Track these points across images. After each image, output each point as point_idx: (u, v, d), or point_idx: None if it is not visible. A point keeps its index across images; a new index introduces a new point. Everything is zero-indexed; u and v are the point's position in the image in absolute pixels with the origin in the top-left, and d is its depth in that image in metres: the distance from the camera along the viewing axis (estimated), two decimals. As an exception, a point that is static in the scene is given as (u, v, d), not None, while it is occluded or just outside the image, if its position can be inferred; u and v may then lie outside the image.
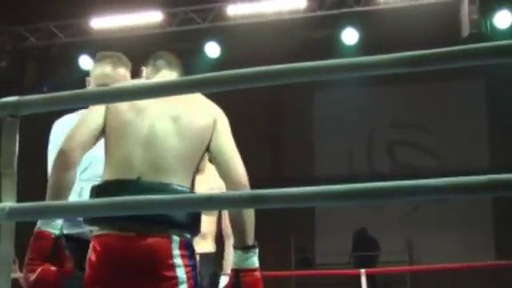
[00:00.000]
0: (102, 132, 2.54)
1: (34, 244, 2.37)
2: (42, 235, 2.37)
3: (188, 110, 2.53)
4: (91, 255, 2.43)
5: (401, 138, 13.25)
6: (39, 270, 2.34)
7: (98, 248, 2.41)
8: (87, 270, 2.43)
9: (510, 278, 10.14)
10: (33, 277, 2.33)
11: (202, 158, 2.59)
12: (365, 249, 11.79)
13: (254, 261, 2.48)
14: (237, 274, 2.47)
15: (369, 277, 7.07)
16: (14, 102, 1.77)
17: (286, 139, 13.61)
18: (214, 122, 2.55)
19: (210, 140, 2.54)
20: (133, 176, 2.42)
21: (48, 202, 1.79)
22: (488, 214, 12.29)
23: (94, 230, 2.47)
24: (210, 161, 2.99)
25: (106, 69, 3.21)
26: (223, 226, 4.34)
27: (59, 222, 2.42)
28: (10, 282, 1.72)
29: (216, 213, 4.30)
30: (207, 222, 4.08)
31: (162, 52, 2.84)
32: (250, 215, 2.48)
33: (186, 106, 2.52)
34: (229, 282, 2.51)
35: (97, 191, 2.47)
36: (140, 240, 2.38)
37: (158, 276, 2.38)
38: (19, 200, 1.74)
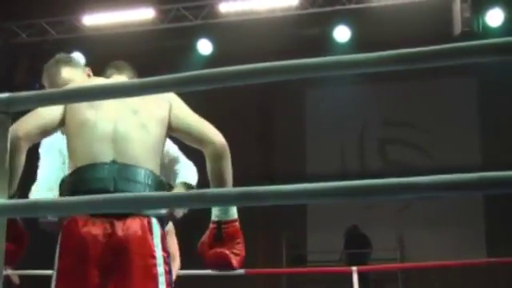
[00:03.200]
0: (56, 127, 2.58)
1: None
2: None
3: (144, 102, 2.60)
4: (65, 242, 2.43)
5: (393, 136, 13.26)
6: None
7: (75, 235, 2.41)
8: (60, 258, 2.43)
9: (501, 275, 10.18)
10: None
11: (164, 146, 2.67)
12: (357, 246, 11.79)
13: (234, 212, 2.60)
14: (218, 226, 2.56)
15: (360, 274, 7.07)
16: (5, 98, 1.76)
17: (278, 137, 13.61)
18: (170, 106, 2.64)
19: (170, 122, 2.62)
20: (107, 160, 2.47)
21: (39, 199, 1.78)
22: (480, 211, 12.31)
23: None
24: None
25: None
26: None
27: None
28: (2, 278, 1.72)
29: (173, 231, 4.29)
30: (172, 243, 4.11)
31: (113, 62, 2.94)
32: (229, 171, 2.58)
33: (140, 98, 2.56)
34: (209, 234, 2.59)
35: (69, 179, 2.49)
36: (117, 224, 2.40)
37: (138, 260, 2.39)
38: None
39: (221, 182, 2.56)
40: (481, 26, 8.63)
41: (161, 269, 2.43)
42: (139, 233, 2.41)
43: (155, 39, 10.00)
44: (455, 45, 1.47)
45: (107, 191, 2.36)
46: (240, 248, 2.57)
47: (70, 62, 3.21)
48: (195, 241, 2.68)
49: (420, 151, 13.02)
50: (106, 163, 2.46)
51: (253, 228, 11.74)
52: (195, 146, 2.62)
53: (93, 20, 9.94)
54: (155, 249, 2.43)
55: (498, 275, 10.29)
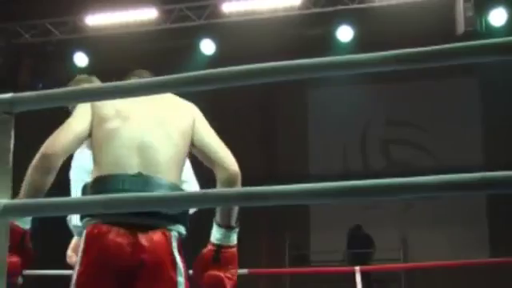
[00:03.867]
0: (86, 138, 2.62)
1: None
2: (13, 228, 2.43)
3: (170, 113, 2.67)
4: (89, 247, 2.46)
5: (395, 136, 13.26)
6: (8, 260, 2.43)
7: (99, 241, 2.44)
8: (80, 267, 2.46)
9: (504, 275, 10.16)
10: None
11: (186, 159, 2.73)
12: (359, 246, 11.79)
13: (234, 238, 2.67)
14: (217, 249, 2.63)
15: (363, 274, 7.07)
16: (8, 98, 1.77)
17: (281, 137, 13.61)
18: (194, 121, 2.68)
19: (193, 137, 2.67)
20: (132, 171, 2.50)
21: (42, 200, 1.78)
22: (483, 211, 12.31)
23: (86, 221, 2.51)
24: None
25: None
26: None
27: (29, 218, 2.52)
28: (5, 278, 1.72)
29: None
30: None
31: (137, 71, 2.94)
32: None
33: (166, 110, 2.66)
34: (207, 255, 2.65)
35: (93, 188, 2.51)
36: (141, 235, 2.44)
37: (161, 272, 2.45)
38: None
39: (228, 214, 2.64)
40: (484, 26, 8.62)
41: (181, 279, 2.49)
42: (161, 245, 2.46)
43: (158, 39, 10.00)
44: (458, 45, 1.47)
45: None
46: (234, 273, 2.65)
47: (90, 81, 3.34)
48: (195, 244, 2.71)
49: (422, 151, 13.01)
50: (131, 175, 2.49)
51: (256, 228, 11.75)
52: (208, 165, 2.67)
53: (96, 20, 9.94)
54: (176, 261, 2.49)
55: (501, 275, 10.27)
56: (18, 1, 10.13)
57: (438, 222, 12.19)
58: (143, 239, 2.44)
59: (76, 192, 3.30)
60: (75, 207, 1.87)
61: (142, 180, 2.48)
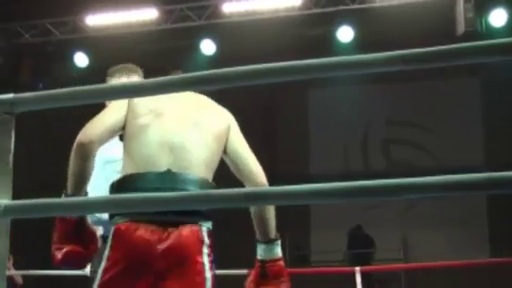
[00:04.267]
0: (120, 130, 2.62)
1: (58, 226, 2.50)
2: (63, 218, 2.49)
3: (206, 116, 2.64)
4: (117, 244, 2.46)
5: (396, 136, 13.26)
6: (65, 250, 2.48)
7: (127, 238, 2.43)
8: (106, 262, 2.45)
9: (504, 275, 10.15)
10: (59, 256, 2.48)
11: (218, 163, 2.69)
12: (360, 246, 11.79)
13: (278, 251, 2.67)
14: (263, 264, 2.65)
15: (364, 274, 7.08)
16: (9, 99, 1.77)
17: (282, 137, 13.61)
18: (229, 127, 2.67)
19: (226, 144, 2.66)
20: (162, 169, 2.49)
21: (44, 200, 1.79)
22: (483, 211, 12.31)
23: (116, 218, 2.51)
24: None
25: (123, 80, 3.37)
26: None
27: None
28: (6, 279, 1.72)
29: None
30: None
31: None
32: (272, 211, 2.62)
33: (202, 111, 2.64)
34: (255, 273, 2.67)
35: (121, 184, 2.51)
36: (169, 232, 2.44)
37: (189, 268, 2.44)
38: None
39: (265, 221, 2.62)
40: (484, 26, 8.63)
41: (208, 275, 2.47)
42: (191, 240, 2.45)
43: (158, 39, 10.01)
44: (459, 45, 1.47)
45: None
46: (286, 286, 2.69)
47: (131, 71, 3.42)
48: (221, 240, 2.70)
49: (423, 151, 13.01)
50: (160, 172, 2.48)
51: (256, 228, 11.74)
52: (237, 175, 2.67)
53: (96, 20, 9.95)
54: (204, 256, 2.48)
55: (501, 275, 10.27)
56: (18, 1, 10.13)
57: (438, 222, 12.19)
58: (172, 235, 2.42)
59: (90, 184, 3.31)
60: (79, 207, 1.87)
61: (170, 177, 2.46)
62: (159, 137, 2.54)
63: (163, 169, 2.48)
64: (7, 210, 1.69)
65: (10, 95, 1.77)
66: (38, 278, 8.07)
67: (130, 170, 2.52)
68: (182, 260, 2.42)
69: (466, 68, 10.96)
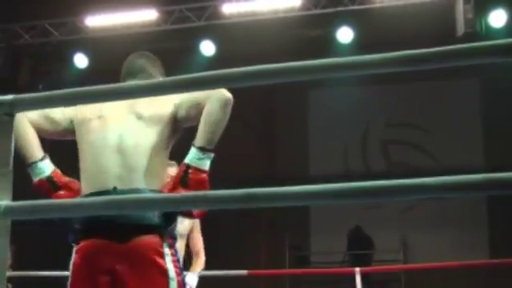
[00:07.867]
0: (66, 133, 2.69)
1: (41, 195, 2.59)
2: (37, 185, 2.62)
3: (148, 104, 2.63)
4: (73, 265, 2.57)
5: (395, 137, 13.25)
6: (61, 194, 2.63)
7: (79, 256, 2.54)
8: (70, 279, 2.58)
9: (504, 276, 10.15)
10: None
11: (172, 143, 2.69)
12: (360, 247, 11.79)
13: (207, 163, 2.55)
14: (186, 169, 2.54)
15: (363, 275, 7.07)
16: (9, 100, 1.77)
17: (281, 138, 13.61)
18: (174, 104, 2.64)
19: (176, 114, 2.63)
20: (109, 186, 2.53)
21: (44, 201, 1.78)
22: (483, 212, 12.30)
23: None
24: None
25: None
26: (191, 245, 4.39)
27: (41, 166, 2.62)
28: (6, 279, 1.72)
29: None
30: (198, 239, 4.28)
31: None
32: (223, 121, 2.53)
33: (145, 101, 2.61)
34: (176, 175, 2.59)
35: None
36: (124, 244, 2.48)
37: (151, 272, 2.47)
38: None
39: (205, 123, 2.53)
40: (484, 27, 8.63)
41: (173, 275, 2.49)
42: (148, 245, 2.49)
43: (158, 40, 9.99)
44: (459, 46, 1.47)
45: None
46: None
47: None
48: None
49: (423, 152, 13.01)
50: (107, 191, 2.52)
51: (256, 229, 11.75)
52: (205, 118, 2.55)
53: (96, 21, 9.95)
54: (166, 257, 2.50)
55: (500, 276, 10.27)
56: (18, 1, 10.13)
57: (437, 223, 12.19)
58: (125, 247, 2.46)
59: None
60: (76, 209, 1.87)
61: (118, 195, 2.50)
62: (104, 147, 2.58)
63: (111, 186, 2.52)
64: (7, 210, 1.69)
65: (10, 96, 1.77)
66: (38, 277, 8.08)
67: (85, 191, 2.59)
68: (134, 269, 2.46)
69: (465, 69, 10.93)
